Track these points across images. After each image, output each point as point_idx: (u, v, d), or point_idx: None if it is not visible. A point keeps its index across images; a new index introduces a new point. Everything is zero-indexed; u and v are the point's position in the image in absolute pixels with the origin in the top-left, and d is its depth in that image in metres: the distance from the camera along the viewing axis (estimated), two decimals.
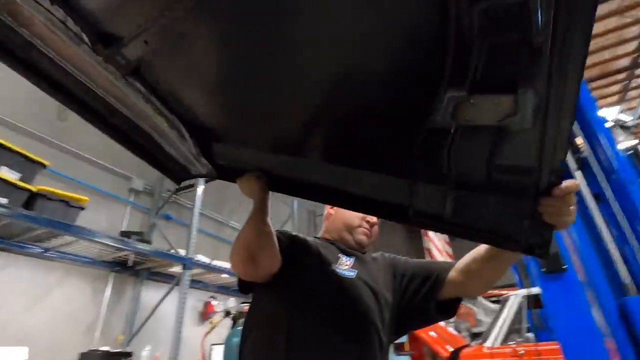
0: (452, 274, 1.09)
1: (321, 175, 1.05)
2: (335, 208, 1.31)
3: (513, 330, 3.33)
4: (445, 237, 6.99)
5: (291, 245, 1.14)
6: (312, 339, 0.99)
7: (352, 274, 1.14)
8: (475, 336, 4.33)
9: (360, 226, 1.24)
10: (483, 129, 0.75)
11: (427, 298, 1.10)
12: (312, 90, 0.88)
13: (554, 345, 2.23)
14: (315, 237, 1.31)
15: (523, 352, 2.72)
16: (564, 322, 1.73)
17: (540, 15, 0.56)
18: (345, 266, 1.16)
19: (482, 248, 1.03)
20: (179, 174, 1.23)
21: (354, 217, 1.25)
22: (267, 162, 1.11)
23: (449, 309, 1.11)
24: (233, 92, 0.93)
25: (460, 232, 0.94)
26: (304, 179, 1.10)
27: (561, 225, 0.81)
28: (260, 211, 1.08)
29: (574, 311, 1.70)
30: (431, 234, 6.94)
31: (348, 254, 1.20)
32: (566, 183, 0.78)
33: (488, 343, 3.04)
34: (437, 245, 7.03)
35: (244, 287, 1.14)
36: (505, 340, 3.08)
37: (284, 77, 0.85)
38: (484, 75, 0.67)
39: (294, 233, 1.24)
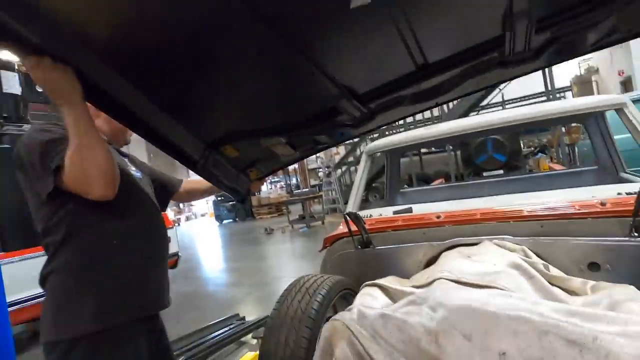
0: (180, 189, 1.60)
1: (129, 96, 1.01)
2: None
3: None
4: None
5: None
6: (140, 236, 1.16)
7: (139, 174, 1.30)
8: None
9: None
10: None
11: (161, 198, 1.46)
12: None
13: None
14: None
15: None
16: None
17: None
18: (132, 168, 1.28)
19: (205, 183, 1.56)
20: None
21: None
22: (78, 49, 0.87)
23: (164, 206, 1.59)
24: None
25: (216, 183, 1.47)
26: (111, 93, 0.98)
27: (256, 190, 1.64)
28: (92, 122, 0.97)
29: None
30: None
31: (122, 154, 1.28)
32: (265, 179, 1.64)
33: None
34: None
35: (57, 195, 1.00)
36: None
37: None
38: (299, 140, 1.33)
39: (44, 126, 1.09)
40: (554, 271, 1.31)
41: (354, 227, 1.94)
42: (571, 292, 1.16)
